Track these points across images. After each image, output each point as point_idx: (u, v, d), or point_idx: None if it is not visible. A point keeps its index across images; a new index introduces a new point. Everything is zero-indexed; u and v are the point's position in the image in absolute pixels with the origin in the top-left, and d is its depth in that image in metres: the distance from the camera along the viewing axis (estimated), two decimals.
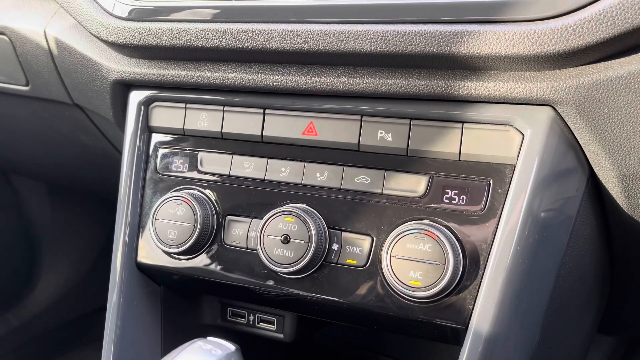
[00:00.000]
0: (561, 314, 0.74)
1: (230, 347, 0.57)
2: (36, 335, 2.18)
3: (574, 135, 0.66)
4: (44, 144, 1.40)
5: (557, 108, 0.64)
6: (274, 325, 0.91)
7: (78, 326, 2.33)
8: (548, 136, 0.65)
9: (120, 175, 0.86)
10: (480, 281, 0.66)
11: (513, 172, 0.66)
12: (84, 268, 2.30)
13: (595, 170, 0.69)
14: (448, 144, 0.69)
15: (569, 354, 0.89)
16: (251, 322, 0.93)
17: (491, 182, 0.67)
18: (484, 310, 0.65)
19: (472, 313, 0.66)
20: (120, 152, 0.89)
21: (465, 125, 0.68)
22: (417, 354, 1.12)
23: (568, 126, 0.65)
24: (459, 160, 0.69)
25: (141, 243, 0.84)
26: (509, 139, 0.67)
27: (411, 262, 0.66)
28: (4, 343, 2.08)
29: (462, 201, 0.68)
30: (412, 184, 0.71)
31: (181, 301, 0.93)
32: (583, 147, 0.67)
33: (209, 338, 0.58)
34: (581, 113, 0.63)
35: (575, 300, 0.77)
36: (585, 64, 0.61)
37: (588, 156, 0.68)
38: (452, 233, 0.67)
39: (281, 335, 0.91)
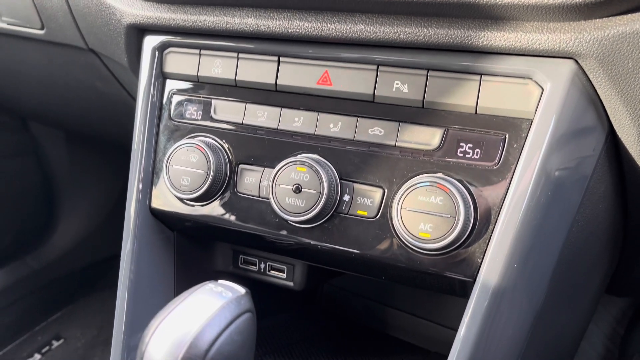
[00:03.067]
0: (570, 271, 0.74)
1: (241, 290, 0.58)
2: (55, 278, 2.25)
3: (595, 90, 0.64)
4: (60, 91, 1.41)
5: (579, 61, 0.62)
6: (284, 273, 0.93)
7: (96, 271, 2.40)
8: (568, 91, 0.63)
9: (134, 121, 0.87)
10: (490, 235, 0.66)
11: (530, 127, 0.65)
12: (101, 215, 2.34)
13: (615, 127, 0.67)
14: (465, 96, 0.68)
15: (575, 312, 0.90)
16: (262, 270, 0.94)
17: (507, 136, 0.66)
18: (493, 264, 0.65)
19: (480, 266, 0.66)
20: (135, 99, 0.89)
21: (483, 77, 0.67)
22: (425, 306, 1.14)
23: (590, 80, 0.64)
24: (475, 113, 0.68)
25: (155, 189, 0.85)
26: (528, 92, 0.65)
27: (422, 215, 0.66)
28: (24, 285, 2.15)
29: (476, 155, 0.68)
30: (427, 137, 0.70)
31: (194, 247, 0.94)
32: (604, 103, 0.65)
33: (219, 281, 0.59)
34: (604, 67, 0.61)
35: (586, 258, 0.77)
36: (611, 16, 0.59)
37: (609, 112, 0.66)
38: (464, 187, 0.67)
39: (291, 284, 0.93)
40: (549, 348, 0.85)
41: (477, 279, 0.66)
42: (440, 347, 1.07)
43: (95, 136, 1.88)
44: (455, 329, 0.67)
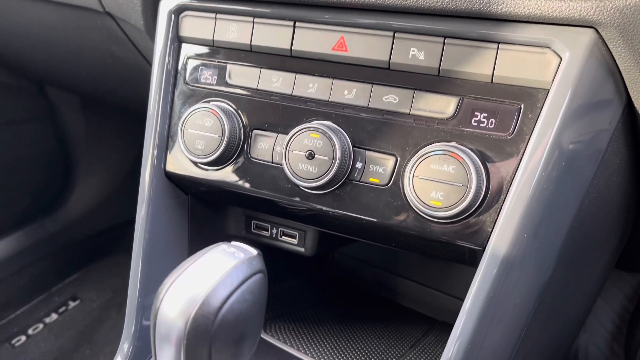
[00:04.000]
0: (580, 243, 0.74)
1: (253, 251, 0.59)
2: (71, 241, 2.30)
3: (614, 60, 0.64)
4: (77, 55, 1.41)
5: (599, 30, 0.61)
6: (295, 239, 0.94)
7: (111, 235, 2.45)
8: (587, 60, 0.62)
9: (150, 86, 0.87)
10: (502, 205, 0.66)
11: (546, 97, 0.64)
12: (117, 180, 2.38)
13: (633, 100, 0.67)
14: (481, 64, 0.67)
15: (583, 285, 0.90)
16: (274, 235, 0.96)
17: (522, 106, 0.66)
18: (503, 234, 0.65)
19: (490, 236, 0.66)
20: (150, 64, 0.89)
21: (500, 46, 0.66)
22: (433, 276, 1.15)
23: (609, 50, 0.63)
24: (491, 82, 0.67)
25: (170, 153, 0.86)
26: (546, 62, 0.64)
27: (434, 183, 0.67)
28: (42, 247, 2.20)
29: (491, 125, 0.67)
30: (441, 105, 0.70)
31: (208, 212, 0.96)
32: (623, 74, 0.64)
33: (232, 243, 0.60)
34: (625, 37, 0.60)
35: (597, 231, 0.77)
36: None
37: (627, 84, 0.65)
38: (477, 156, 0.66)
39: (302, 249, 0.94)
40: (556, 320, 0.86)
41: (486, 248, 0.67)
42: (447, 317, 1.08)
43: (111, 101, 1.89)
44: (463, 299, 0.68)
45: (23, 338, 2.03)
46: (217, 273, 0.56)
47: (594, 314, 1.69)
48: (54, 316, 2.13)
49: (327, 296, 1.16)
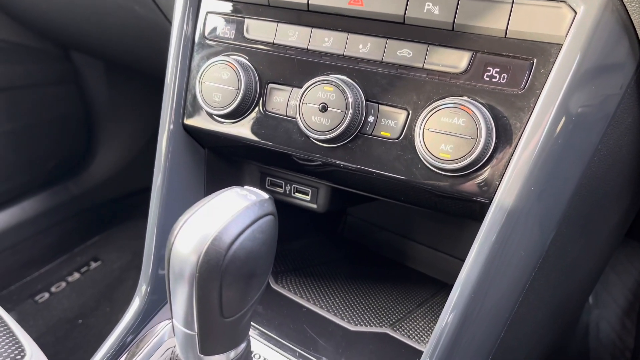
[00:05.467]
0: (589, 201, 0.75)
1: (264, 195, 0.61)
2: (93, 205, 2.36)
3: (629, 16, 0.63)
4: (100, 15, 1.44)
5: None
6: (308, 195, 0.96)
7: (132, 200, 2.50)
8: (602, 15, 0.62)
9: (170, 39, 0.89)
10: (510, 159, 0.67)
11: (559, 52, 0.65)
12: (138, 146, 2.42)
13: None
14: (496, 19, 0.67)
15: (591, 246, 0.91)
16: (287, 192, 0.98)
17: (535, 61, 0.66)
18: (510, 187, 0.66)
19: (498, 188, 0.67)
20: (171, 23, 0.91)
21: (515, 0, 0.66)
22: (444, 240, 1.17)
23: (624, 6, 0.63)
24: (505, 37, 0.67)
25: (188, 106, 0.88)
26: (560, 16, 0.64)
27: (443, 135, 0.68)
28: (65, 209, 2.27)
29: (503, 80, 0.68)
30: (454, 60, 0.70)
31: (224, 167, 0.98)
32: (638, 31, 0.64)
33: (245, 186, 0.62)
34: None
35: (606, 190, 0.78)
36: None
37: None
38: (487, 110, 0.67)
39: (314, 206, 0.96)
40: (561, 280, 0.87)
41: (493, 200, 0.68)
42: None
43: (133, 66, 1.92)
44: None
45: (46, 295, 2.10)
46: (230, 212, 0.58)
47: (607, 289, 1.69)
48: (76, 275, 2.20)
49: (338, 256, 1.18)
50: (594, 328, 1.69)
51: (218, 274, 0.56)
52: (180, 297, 0.59)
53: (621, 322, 1.67)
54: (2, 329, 0.99)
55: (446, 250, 1.16)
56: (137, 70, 2.08)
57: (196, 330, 0.59)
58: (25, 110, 1.99)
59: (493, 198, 0.68)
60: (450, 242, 1.15)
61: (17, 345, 0.96)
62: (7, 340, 0.96)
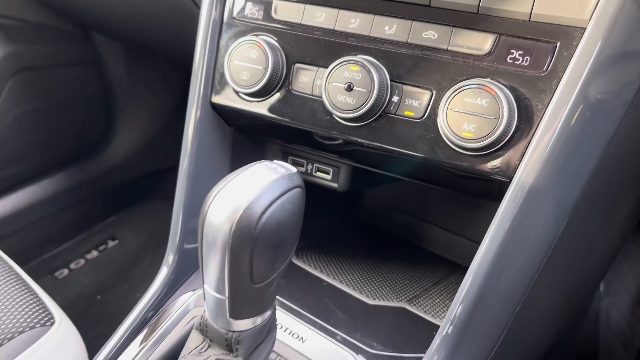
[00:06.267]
0: (606, 183, 0.77)
1: (293, 168, 0.64)
2: (111, 185, 2.40)
3: None
4: None
5: None
6: (329, 175, 0.99)
7: (148, 182, 2.55)
8: (624, 1, 0.64)
9: (199, 19, 0.91)
10: (530, 139, 0.69)
11: (582, 35, 0.66)
12: (155, 129, 2.46)
13: None
14: (520, 3, 0.69)
15: (606, 229, 0.92)
16: (309, 171, 1.00)
17: (558, 45, 0.68)
18: (529, 167, 0.68)
19: (517, 168, 0.70)
20: (197, 6, 0.93)
21: None
22: (460, 223, 1.19)
23: None
24: (529, 20, 0.69)
25: (216, 84, 0.90)
26: (584, 1, 0.66)
27: (467, 115, 0.70)
28: (84, 188, 2.31)
29: (526, 62, 0.70)
30: (479, 42, 0.72)
31: (248, 145, 1.01)
32: None
33: (274, 160, 0.65)
34: None
35: (623, 173, 0.79)
36: None
37: None
38: (510, 91, 0.69)
39: (335, 185, 0.98)
40: (575, 262, 0.89)
41: (512, 180, 0.70)
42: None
43: (154, 47, 1.94)
44: None
45: (65, 271, 2.16)
46: (261, 184, 0.61)
47: (618, 278, 1.71)
48: (95, 253, 2.25)
49: (355, 237, 1.21)
50: (604, 316, 1.70)
51: (250, 241, 0.59)
52: (213, 263, 0.61)
53: (631, 311, 1.68)
54: (31, 297, 1.03)
55: (460, 232, 1.19)
56: (156, 53, 2.11)
57: (227, 295, 0.62)
58: (46, 90, 2.03)
59: (513, 177, 0.70)
60: (465, 225, 1.18)
61: (46, 313, 1.00)
62: (37, 308, 1.00)
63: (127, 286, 2.13)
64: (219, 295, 0.63)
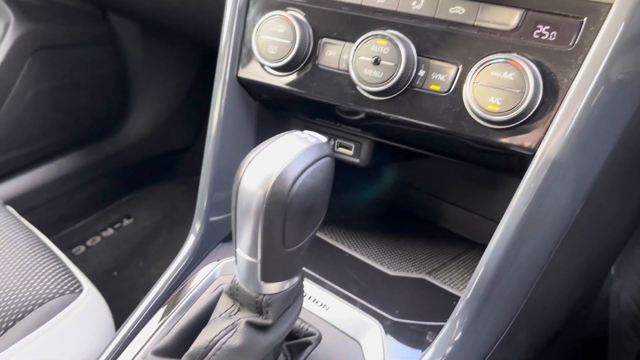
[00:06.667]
0: (624, 162, 0.78)
1: (323, 138, 0.66)
2: (126, 164, 2.43)
3: None
4: None
5: None
6: (351, 150, 1.01)
7: (163, 162, 2.58)
8: None
9: None
10: (555, 113, 0.70)
11: (609, 11, 0.67)
12: (170, 109, 2.48)
13: None
14: None
15: (621, 210, 0.93)
16: (331, 146, 1.02)
17: (585, 20, 0.69)
18: (553, 141, 0.70)
19: (541, 141, 0.71)
20: None
21: None
22: (478, 201, 1.20)
23: None
24: None
25: (243, 58, 0.92)
26: None
27: (493, 89, 0.71)
28: (99, 167, 2.34)
29: (552, 37, 0.71)
30: (505, 17, 0.73)
31: (272, 120, 1.03)
32: None
33: (304, 131, 0.67)
34: None
35: None
36: None
37: None
38: (536, 66, 0.70)
39: (357, 160, 1.00)
40: (591, 241, 0.91)
41: (536, 153, 0.72)
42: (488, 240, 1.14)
43: (172, 27, 1.96)
44: None
45: (82, 248, 2.20)
46: (293, 152, 0.62)
47: (631, 261, 1.72)
48: (110, 231, 2.28)
49: (374, 213, 1.23)
50: (615, 298, 1.72)
51: (283, 207, 0.61)
52: (247, 228, 0.63)
53: None
54: (60, 266, 1.06)
55: (477, 210, 1.20)
56: (174, 32, 2.12)
57: (259, 258, 0.65)
58: (64, 70, 2.05)
59: (536, 151, 0.72)
60: (482, 203, 1.19)
61: (74, 281, 1.03)
62: (66, 276, 1.03)
63: (142, 263, 2.17)
64: (251, 259, 0.65)
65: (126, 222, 2.34)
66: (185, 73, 2.46)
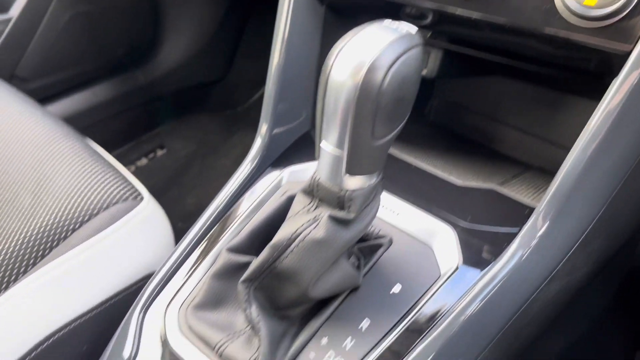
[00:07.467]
0: None
1: (414, 27, 0.63)
2: (159, 95, 2.42)
3: None
4: None
5: None
6: None
7: (196, 93, 2.56)
8: None
9: None
10: None
11: None
12: (203, 40, 2.44)
13: None
14: None
15: None
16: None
17: None
18: None
19: (638, 40, 0.68)
20: None
21: None
22: (536, 124, 1.18)
23: None
24: None
25: None
26: None
27: None
28: (133, 97, 2.33)
29: None
30: None
31: (339, 28, 1.00)
32: None
33: (394, 20, 0.64)
34: None
35: None
36: None
37: None
38: None
39: (424, 71, 0.98)
40: None
41: (631, 53, 0.69)
42: (544, 163, 1.12)
43: None
44: (567, 148, 0.71)
45: None
46: (385, 40, 0.60)
47: None
48: (144, 160, 2.30)
49: (428, 135, 1.21)
50: None
51: (376, 95, 0.60)
52: (335, 118, 0.62)
53: None
54: (118, 177, 1.07)
55: (535, 133, 1.18)
56: None
57: (346, 149, 0.64)
58: None
59: (631, 51, 0.69)
60: (540, 125, 1.17)
61: (133, 190, 1.04)
62: (127, 184, 1.04)
63: (178, 191, 2.19)
64: (337, 150, 0.64)
65: (160, 152, 2.35)
66: (219, 2, 2.40)
